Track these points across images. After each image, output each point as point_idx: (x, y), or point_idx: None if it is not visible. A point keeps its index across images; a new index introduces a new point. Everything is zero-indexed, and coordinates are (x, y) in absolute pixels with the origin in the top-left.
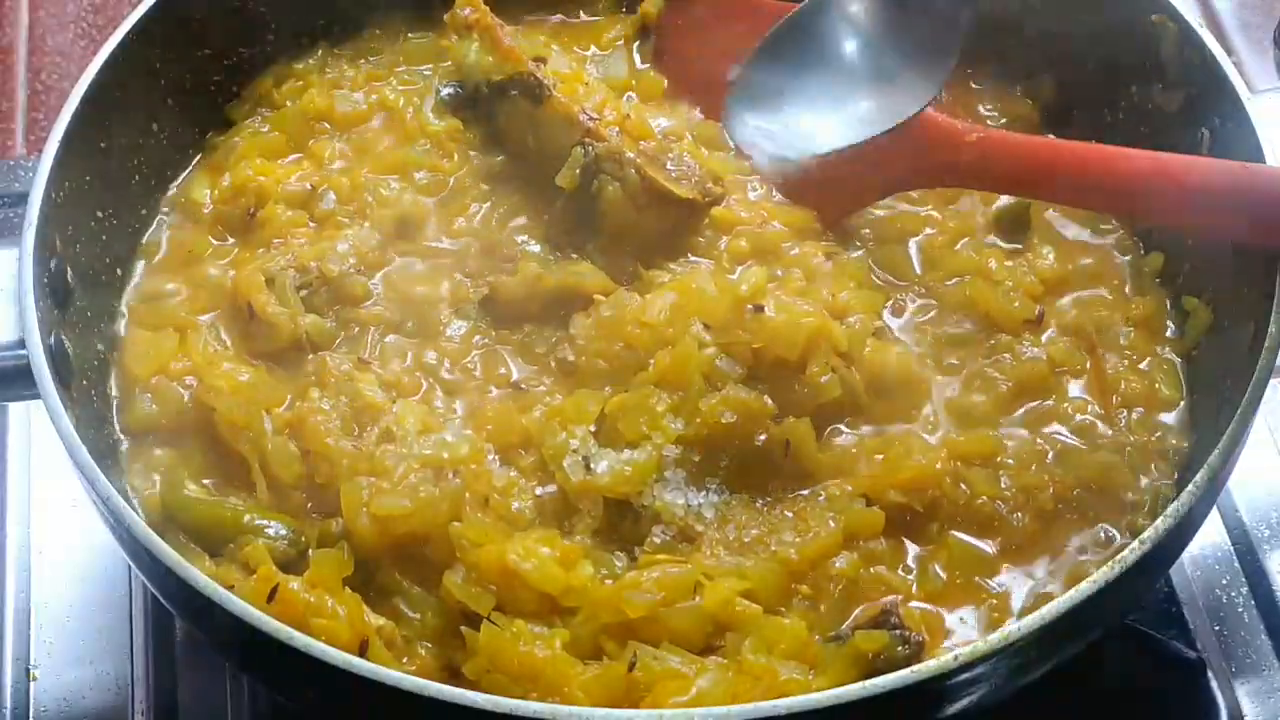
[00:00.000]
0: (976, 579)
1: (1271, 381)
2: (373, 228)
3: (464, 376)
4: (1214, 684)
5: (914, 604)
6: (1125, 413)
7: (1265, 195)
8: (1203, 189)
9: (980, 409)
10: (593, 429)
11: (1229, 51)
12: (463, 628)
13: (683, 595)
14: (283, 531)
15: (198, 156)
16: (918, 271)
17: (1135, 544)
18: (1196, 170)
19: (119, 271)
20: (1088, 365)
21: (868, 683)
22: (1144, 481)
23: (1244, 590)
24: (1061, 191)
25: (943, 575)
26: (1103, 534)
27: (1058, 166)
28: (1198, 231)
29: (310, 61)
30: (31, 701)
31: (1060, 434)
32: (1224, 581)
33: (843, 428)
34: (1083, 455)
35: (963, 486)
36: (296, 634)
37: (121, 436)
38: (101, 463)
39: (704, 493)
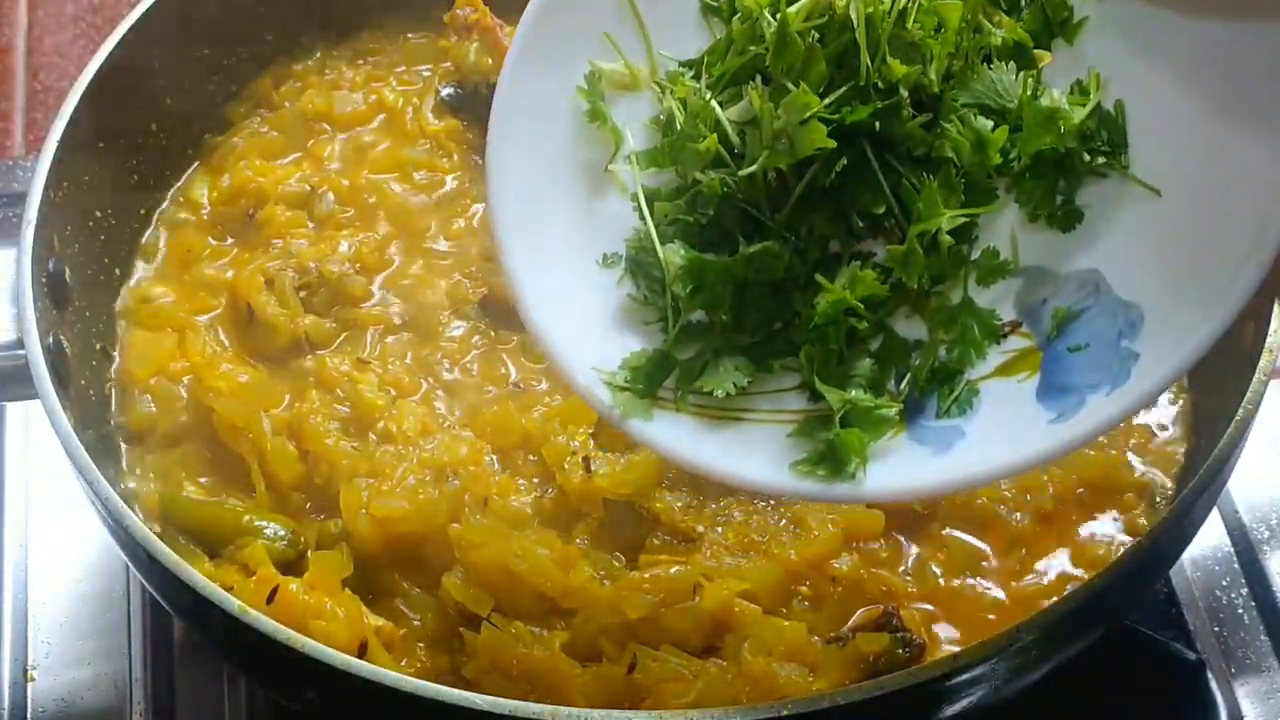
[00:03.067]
0: (976, 580)
1: (1271, 381)
2: (372, 228)
3: (463, 377)
4: (1214, 685)
5: (913, 605)
6: None
7: None
8: None
9: None
10: (592, 430)
11: None
12: (462, 629)
13: (682, 596)
14: (282, 532)
15: (197, 157)
16: None
17: (1135, 544)
18: None
19: (117, 272)
20: None
21: (867, 683)
22: (1144, 482)
23: (1244, 591)
24: None
25: (942, 576)
26: (1102, 535)
27: None
28: None
29: (309, 62)
30: (29, 702)
31: None
32: (1224, 582)
33: None
34: (1082, 455)
35: None
36: (296, 635)
37: (120, 437)
38: (100, 463)
39: (703, 494)
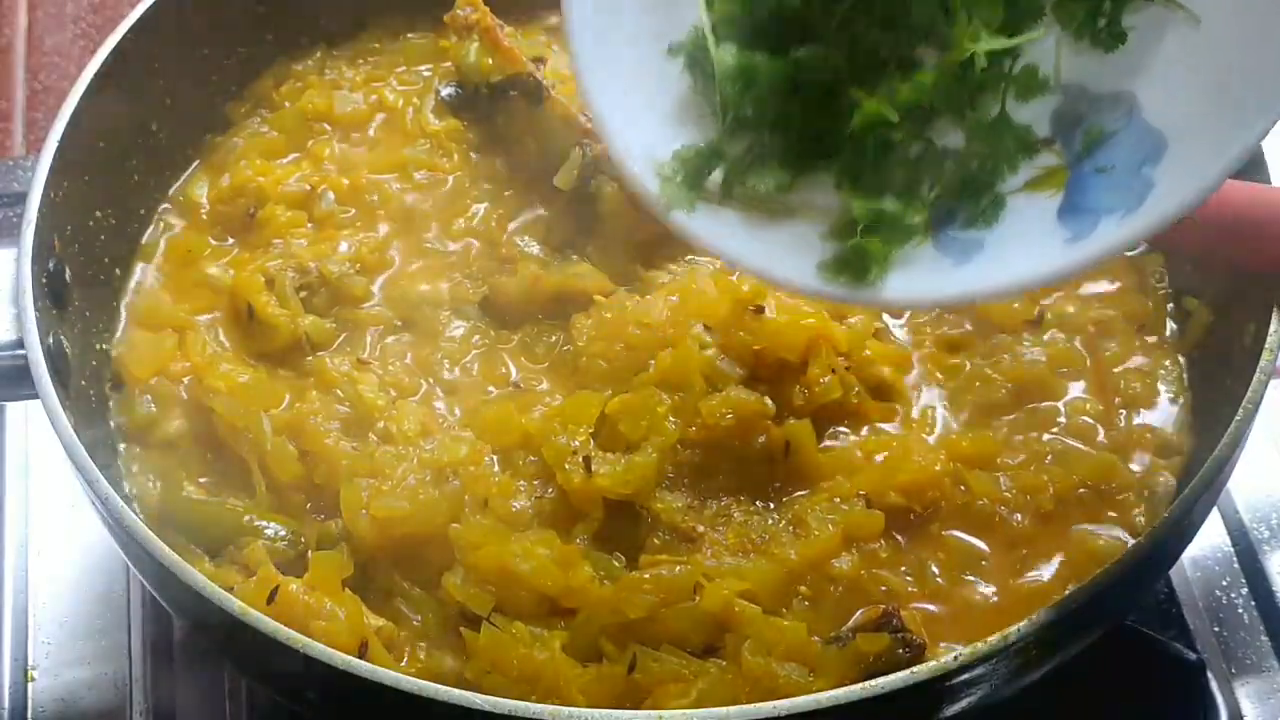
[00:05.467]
0: (976, 580)
1: (1271, 381)
2: (372, 228)
3: (463, 377)
4: (1214, 684)
5: (913, 605)
6: (1125, 413)
7: (1242, 215)
8: None
9: (980, 410)
10: (592, 430)
11: None
12: (462, 629)
13: (682, 596)
14: (282, 532)
15: (197, 157)
16: None
17: (1135, 544)
18: None
19: (118, 272)
20: (1088, 365)
21: (868, 683)
22: (1144, 482)
23: (1244, 591)
24: None
25: (942, 576)
26: (1102, 534)
27: None
28: (1183, 247)
29: (309, 62)
30: (29, 702)
31: (1060, 434)
32: (1224, 582)
33: (842, 429)
34: (1082, 456)
35: (962, 488)
36: (296, 635)
37: (120, 437)
38: (100, 463)
39: (704, 494)
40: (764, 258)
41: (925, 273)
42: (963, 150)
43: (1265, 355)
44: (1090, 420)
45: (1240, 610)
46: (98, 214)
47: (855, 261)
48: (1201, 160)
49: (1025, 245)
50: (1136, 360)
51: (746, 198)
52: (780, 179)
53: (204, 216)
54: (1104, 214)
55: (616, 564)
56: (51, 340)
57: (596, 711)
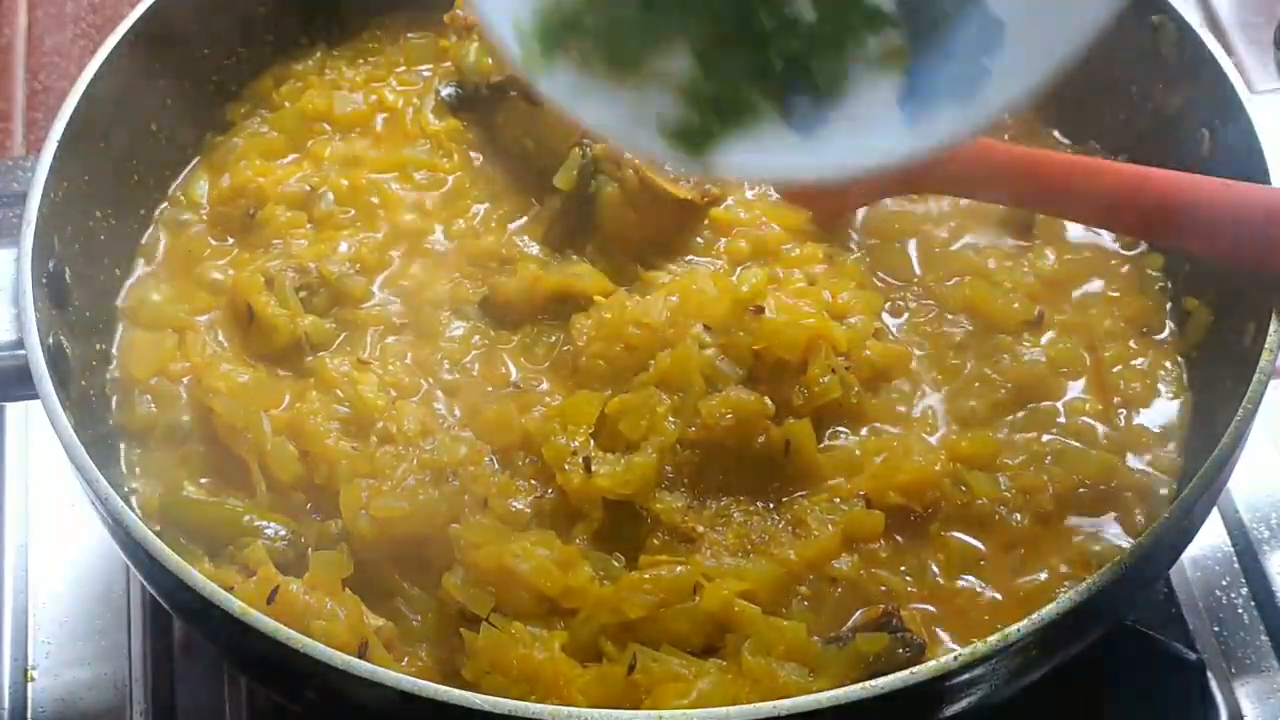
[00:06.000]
0: (976, 580)
1: (1271, 381)
2: (372, 229)
3: (463, 377)
4: (1214, 684)
5: (913, 605)
6: (1125, 413)
7: (1239, 215)
8: (1183, 205)
9: (980, 410)
10: (592, 430)
11: (1229, 51)
12: (462, 629)
13: (682, 596)
14: (281, 532)
15: (197, 157)
16: (917, 272)
17: (1135, 544)
18: (1178, 186)
19: (118, 272)
20: (1088, 365)
21: (868, 683)
22: (1144, 482)
23: (1244, 591)
24: (1048, 203)
25: (941, 576)
26: (1102, 534)
27: (1042, 178)
28: (1182, 248)
29: (309, 62)
30: (29, 702)
31: (1060, 434)
32: (1224, 582)
33: (842, 429)
34: (1082, 456)
35: (962, 488)
36: (296, 635)
37: (120, 437)
38: (100, 463)
39: (704, 494)
40: (613, 122)
41: (765, 148)
42: (814, 22)
43: (1265, 355)
44: (1090, 420)
45: (1240, 610)
46: (97, 214)
47: (695, 132)
48: (1035, 56)
49: (865, 127)
50: (1136, 360)
51: (603, 63)
52: (635, 47)
53: (204, 216)
54: (939, 101)
55: (616, 564)
56: (51, 340)
57: (596, 711)
